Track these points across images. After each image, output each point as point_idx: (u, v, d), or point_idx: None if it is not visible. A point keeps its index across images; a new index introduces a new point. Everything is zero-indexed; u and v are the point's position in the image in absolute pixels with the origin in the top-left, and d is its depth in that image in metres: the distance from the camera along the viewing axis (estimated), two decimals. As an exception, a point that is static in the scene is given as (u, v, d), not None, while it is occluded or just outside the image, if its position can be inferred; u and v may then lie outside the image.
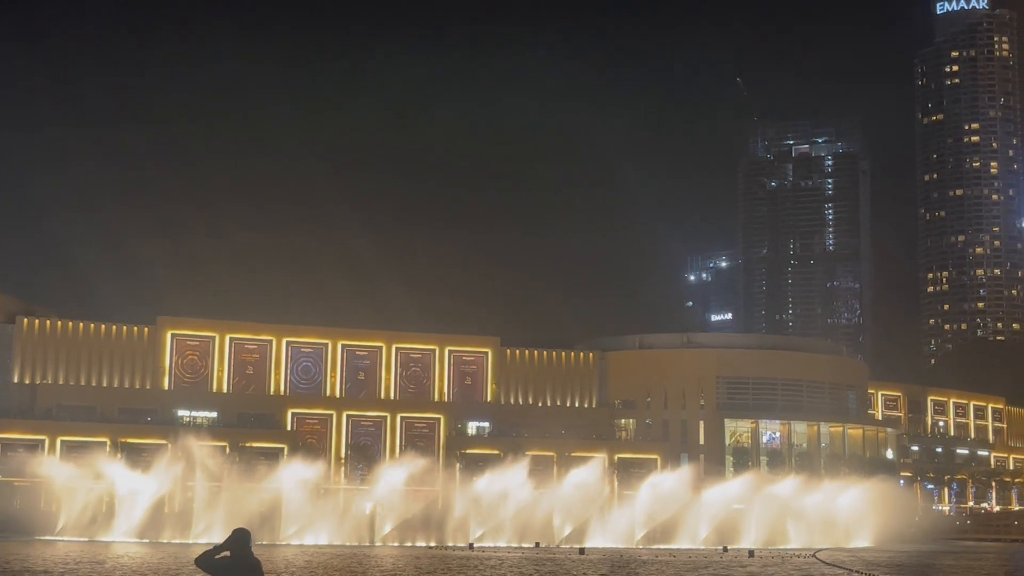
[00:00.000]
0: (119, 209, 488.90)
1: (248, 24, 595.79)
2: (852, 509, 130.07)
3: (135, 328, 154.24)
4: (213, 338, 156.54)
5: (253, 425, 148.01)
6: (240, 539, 18.10)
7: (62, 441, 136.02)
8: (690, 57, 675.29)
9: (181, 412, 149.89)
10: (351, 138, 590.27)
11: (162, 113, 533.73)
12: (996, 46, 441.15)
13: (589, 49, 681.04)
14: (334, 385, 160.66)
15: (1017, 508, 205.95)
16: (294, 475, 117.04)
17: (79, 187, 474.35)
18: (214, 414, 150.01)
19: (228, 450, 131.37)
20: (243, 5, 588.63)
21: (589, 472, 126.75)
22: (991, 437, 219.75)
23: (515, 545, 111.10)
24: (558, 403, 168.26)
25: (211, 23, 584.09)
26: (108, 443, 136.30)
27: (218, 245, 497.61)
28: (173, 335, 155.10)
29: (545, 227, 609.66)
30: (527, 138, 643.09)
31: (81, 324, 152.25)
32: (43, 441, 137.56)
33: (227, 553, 18.00)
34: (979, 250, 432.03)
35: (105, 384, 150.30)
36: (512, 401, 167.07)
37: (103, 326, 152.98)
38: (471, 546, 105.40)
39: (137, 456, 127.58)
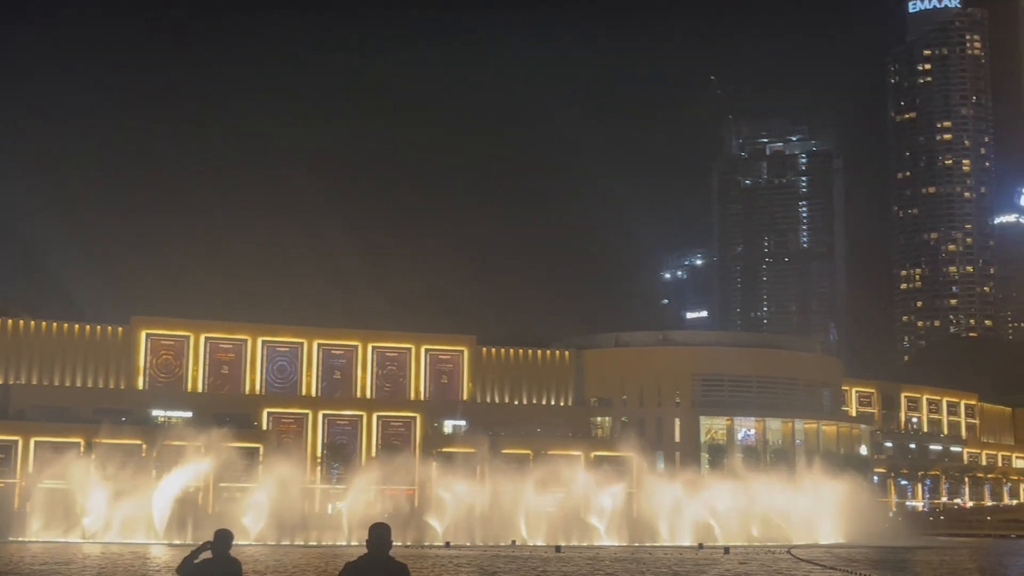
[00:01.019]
0: (93, 209, 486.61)
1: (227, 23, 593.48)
2: (826, 506, 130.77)
3: (109, 328, 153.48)
4: (188, 338, 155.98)
5: (228, 425, 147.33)
6: (221, 540, 18.08)
7: (36, 442, 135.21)
8: (665, 56, 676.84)
9: (156, 412, 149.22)
10: (326, 138, 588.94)
11: (136, 113, 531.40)
12: (968, 44, 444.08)
13: (564, 48, 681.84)
14: (310, 384, 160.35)
15: (990, 504, 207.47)
16: (270, 474, 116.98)
17: (53, 187, 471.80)
18: (189, 414, 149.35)
19: (203, 450, 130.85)
20: (225, 10, 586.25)
21: (565, 470, 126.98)
22: (964, 433, 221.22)
23: (491, 544, 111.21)
24: (534, 401, 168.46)
25: (194, 24, 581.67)
26: (82, 443, 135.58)
27: (192, 245, 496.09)
28: (148, 335, 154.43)
29: (521, 226, 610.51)
30: (503, 138, 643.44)
31: (55, 324, 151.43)
32: (16, 442, 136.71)
33: (208, 554, 17.99)
34: (952, 247, 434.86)
35: (79, 384, 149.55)
36: (488, 399, 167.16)
37: (77, 326, 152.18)
38: (448, 545, 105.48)
39: (112, 456, 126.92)
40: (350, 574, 15.61)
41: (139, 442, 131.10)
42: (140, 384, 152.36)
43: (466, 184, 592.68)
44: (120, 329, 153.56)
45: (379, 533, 15.80)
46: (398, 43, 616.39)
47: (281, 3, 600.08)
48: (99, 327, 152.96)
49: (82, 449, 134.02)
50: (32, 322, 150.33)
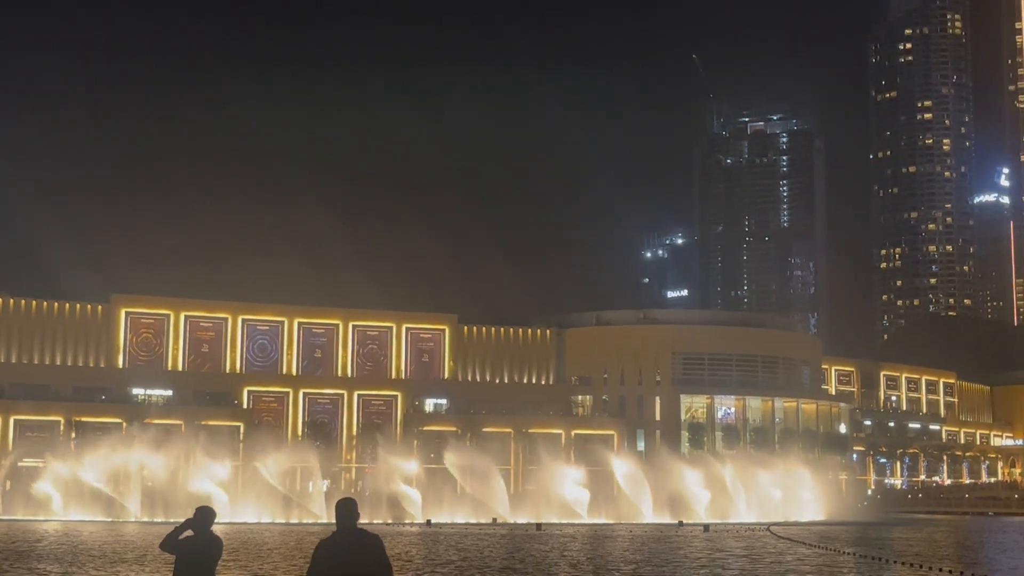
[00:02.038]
0: (73, 187, 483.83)
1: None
2: (805, 484, 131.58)
3: (89, 306, 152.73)
4: (168, 316, 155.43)
5: (209, 403, 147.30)
6: (203, 518, 18.08)
7: (15, 420, 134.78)
8: (646, 36, 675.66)
9: (136, 390, 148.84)
10: (308, 116, 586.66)
11: (117, 93, 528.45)
12: (949, 24, 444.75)
13: (546, 26, 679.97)
14: (290, 363, 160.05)
15: (968, 481, 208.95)
16: (252, 453, 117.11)
17: (32, 167, 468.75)
18: (169, 392, 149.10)
19: (184, 428, 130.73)
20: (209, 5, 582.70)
21: (547, 448, 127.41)
22: (943, 411, 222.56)
23: (472, 522, 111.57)
24: (516, 380, 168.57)
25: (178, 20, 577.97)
26: (62, 422, 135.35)
27: (173, 223, 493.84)
28: (127, 313, 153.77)
29: (502, 205, 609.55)
30: (483, 116, 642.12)
31: (34, 302, 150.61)
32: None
33: (190, 532, 17.98)
34: (932, 227, 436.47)
35: (59, 362, 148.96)
36: (470, 378, 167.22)
37: (56, 304, 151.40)
38: (428, 523, 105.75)
39: (91, 435, 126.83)
40: (322, 550, 15.32)
41: (119, 420, 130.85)
42: (120, 362, 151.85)
43: (447, 165, 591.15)
44: (100, 307, 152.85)
45: (345, 507, 15.52)
46: (377, 38, 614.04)
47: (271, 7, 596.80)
48: (79, 305, 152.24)
49: (62, 427, 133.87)
50: (11, 300, 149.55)
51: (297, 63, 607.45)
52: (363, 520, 15.60)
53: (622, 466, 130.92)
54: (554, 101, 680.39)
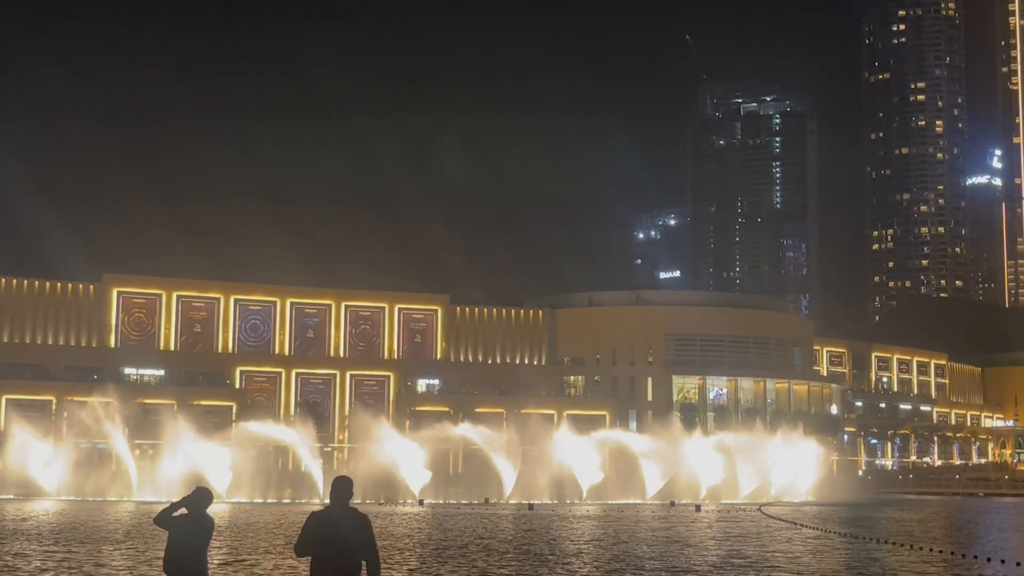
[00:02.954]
0: (63, 165, 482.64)
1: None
2: (797, 464, 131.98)
3: (81, 285, 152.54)
4: (160, 296, 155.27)
5: (201, 383, 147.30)
6: (199, 498, 18.21)
7: (7, 399, 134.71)
8: (639, 16, 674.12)
9: (128, 370, 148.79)
10: (301, 95, 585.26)
11: (108, 73, 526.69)
12: (942, 5, 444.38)
13: (538, 7, 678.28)
14: (283, 343, 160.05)
15: (958, 462, 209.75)
16: (244, 432, 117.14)
17: (23, 145, 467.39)
18: (161, 372, 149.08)
19: (176, 408, 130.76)
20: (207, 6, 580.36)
21: (539, 428, 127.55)
22: (934, 393, 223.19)
23: (465, 502, 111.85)
24: (508, 360, 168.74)
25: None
26: (54, 401, 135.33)
27: (165, 202, 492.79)
28: (119, 292, 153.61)
29: (494, 184, 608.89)
30: (476, 97, 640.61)
31: (26, 281, 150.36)
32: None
33: (184, 510, 18.09)
34: (924, 208, 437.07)
35: (51, 342, 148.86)
36: (462, 359, 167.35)
37: (48, 283, 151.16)
38: (421, 503, 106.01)
39: (84, 414, 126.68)
40: (313, 521, 16.40)
41: (111, 400, 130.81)
42: (112, 342, 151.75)
43: (437, 144, 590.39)
44: (92, 287, 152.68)
45: (340, 484, 16.56)
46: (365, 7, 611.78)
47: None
48: (71, 285, 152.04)
49: (54, 407, 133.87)
50: (3, 279, 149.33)
51: (287, 45, 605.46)
52: (356, 500, 15.95)
53: (614, 445, 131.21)
54: (545, 81, 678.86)
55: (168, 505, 18.27)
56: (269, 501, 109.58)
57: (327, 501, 16.71)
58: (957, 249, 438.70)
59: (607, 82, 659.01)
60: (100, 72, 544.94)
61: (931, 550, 47.67)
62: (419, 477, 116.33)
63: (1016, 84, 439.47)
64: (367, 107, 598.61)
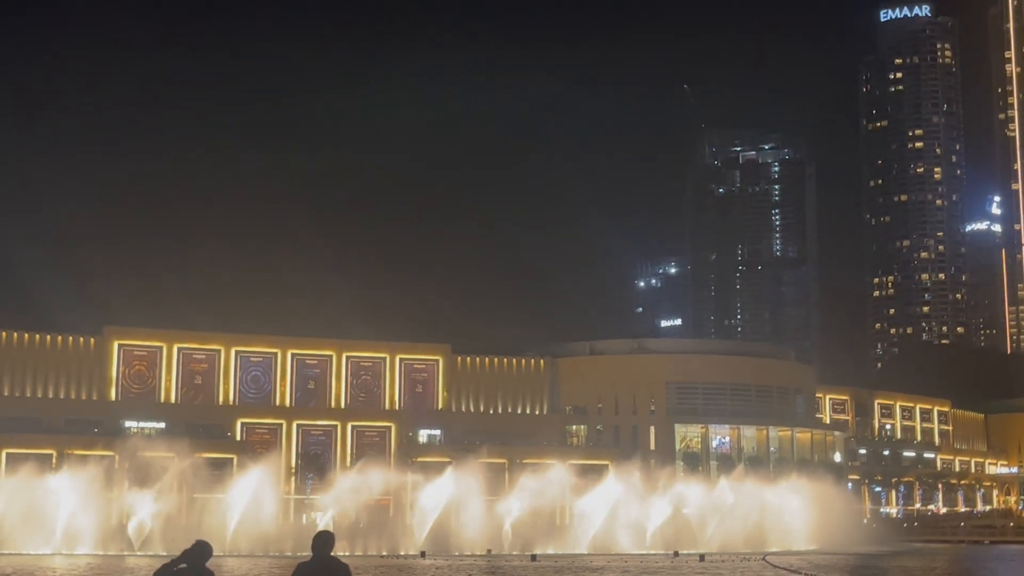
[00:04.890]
0: (64, 215, 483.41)
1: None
2: (801, 512, 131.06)
3: (81, 338, 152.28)
4: (161, 348, 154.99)
5: (201, 435, 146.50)
6: (199, 552, 18.03)
7: (7, 453, 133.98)
8: (639, 65, 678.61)
9: (128, 423, 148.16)
10: (303, 146, 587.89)
11: (109, 123, 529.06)
12: (939, 53, 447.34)
13: (538, 58, 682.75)
14: (284, 394, 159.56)
15: (963, 510, 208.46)
16: (244, 485, 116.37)
17: (24, 196, 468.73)
18: (162, 425, 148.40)
19: (176, 461, 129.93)
20: (212, 30, 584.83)
21: (541, 478, 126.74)
22: (937, 440, 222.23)
23: (467, 553, 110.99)
24: (510, 410, 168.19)
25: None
26: (54, 455, 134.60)
27: (165, 254, 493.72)
28: (120, 345, 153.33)
29: (496, 233, 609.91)
30: (478, 146, 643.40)
31: (27, 334, 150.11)
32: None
33: (184, 566, 17.87)
34: (924, 255, 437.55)
35: (51, 395, 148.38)
36: (463, 408, 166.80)
37: (49, 336, 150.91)
38: (423, 554, 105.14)
39: (83, 468, 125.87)
40: (299, 571, 18.81)
41: (111, 453, 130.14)
42: (112, 395, 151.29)
43: (440, 192, 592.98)
44: (92, 339, 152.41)
45: (321, 538, 18.94)
46: (374, 64, 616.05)
47: (257, 33, 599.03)
48: (71, 337, 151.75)
49: (54, 461, 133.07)
50: (3, 332, 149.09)
51: (287, 91, 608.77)
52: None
53: (617, 495, 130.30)
54: (547, 130, 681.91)
55: (169, 560, 18.03)
56: (271, 554, 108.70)
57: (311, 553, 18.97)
58: (958, 295, 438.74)
59: (605, 130, 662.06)
60: (101, 122, 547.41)
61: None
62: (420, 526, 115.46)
63: (1013, 131, 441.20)
64: (370, 154, 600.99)
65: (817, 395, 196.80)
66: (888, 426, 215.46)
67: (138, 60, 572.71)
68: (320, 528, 20.71)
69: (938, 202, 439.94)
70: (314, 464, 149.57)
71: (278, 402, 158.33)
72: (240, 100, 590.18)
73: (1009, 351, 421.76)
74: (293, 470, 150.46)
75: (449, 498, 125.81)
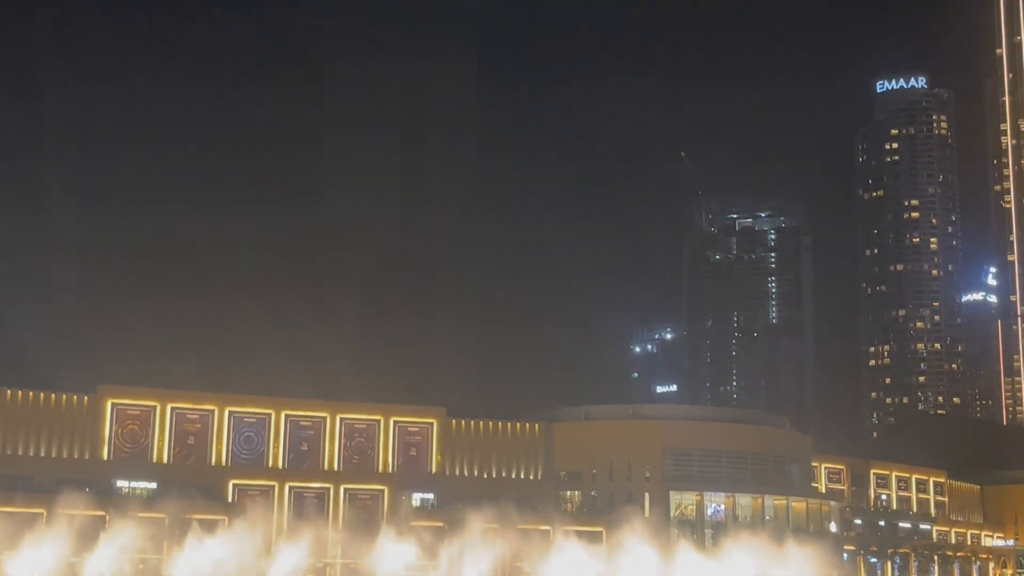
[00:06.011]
0: (57, 273, 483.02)
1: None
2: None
3: (75, 397, 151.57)
4: (154, 407, 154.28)
5: (194, 496, 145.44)
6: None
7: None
8: (635, 131, 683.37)
9: (120, 483, 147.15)
10: (294, 205, 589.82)
11: (100, 177, 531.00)
12: (935, 124, 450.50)
13: (532, 124, 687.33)
14: (277, 456, 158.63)
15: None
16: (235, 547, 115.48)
17: (12, 248, 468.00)
18: (154, 485, 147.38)
19: (167, 522, 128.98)
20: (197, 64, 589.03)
21: (536, 544, 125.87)
22: (933, 511, 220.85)
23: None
24: (504, 474, 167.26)
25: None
26: (45, 514, 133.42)
27: (159, 314, 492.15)
28: (113, 404, 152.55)
29: (491, 299, 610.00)
30: (471, 208, 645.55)
31: (20, 392, 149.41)
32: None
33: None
34: (920, 324, 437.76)
35: (43, 454, 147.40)
36: (457, 472, 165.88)
37: (42, 394, 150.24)
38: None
39: (75, 528, 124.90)
40: None
41: (102, 513, 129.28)
42: (105, 454, 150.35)
43: (435, 255, 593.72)
44: (86, 398, 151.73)
45: None
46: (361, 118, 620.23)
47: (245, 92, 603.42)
48: (64, 396, 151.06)
49: (44, 520, 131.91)
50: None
51: (278, 142, 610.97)
52: None
53: (612, 564, 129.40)
54: (542, 197, 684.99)
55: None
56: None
57: None
58: (954, 366, 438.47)
59: (602, 196, 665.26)
60: (93, 182, 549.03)
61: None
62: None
63: (1009, 202, 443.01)
64: (360, 214, 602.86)
65: (813, 464, 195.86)
66: (884, 496, 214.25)
67: (128, 116, 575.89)
68: None
69: (934, 272, 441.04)
70: (306, 527, 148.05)
71: (271, 463, 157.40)
72: (230, 161, 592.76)
73: (1005, 422, 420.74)
74: (285, 532, 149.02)
75: (442, 563, 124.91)
